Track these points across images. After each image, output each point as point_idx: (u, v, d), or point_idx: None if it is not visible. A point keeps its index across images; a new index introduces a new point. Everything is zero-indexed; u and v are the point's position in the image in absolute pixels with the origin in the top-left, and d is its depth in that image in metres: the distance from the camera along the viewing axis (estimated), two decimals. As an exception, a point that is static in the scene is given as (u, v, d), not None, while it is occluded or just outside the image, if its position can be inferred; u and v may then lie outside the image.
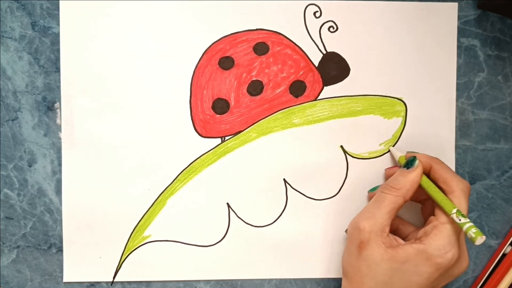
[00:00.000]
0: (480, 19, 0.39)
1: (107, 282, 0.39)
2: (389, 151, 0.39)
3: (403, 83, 0.39)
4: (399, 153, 0.38)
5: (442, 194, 0.34)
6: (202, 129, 0.38)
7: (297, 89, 0.39)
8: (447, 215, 0.33)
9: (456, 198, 0.33)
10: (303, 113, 0.39)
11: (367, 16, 0.39)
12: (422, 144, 0.39)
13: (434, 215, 0.34)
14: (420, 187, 0.35)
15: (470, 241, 0.32)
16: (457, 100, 0.39)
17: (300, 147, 0.39)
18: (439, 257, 0.32)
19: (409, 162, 0.35)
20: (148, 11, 0.38)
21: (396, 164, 0.39)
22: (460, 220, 0.32)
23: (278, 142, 0.39)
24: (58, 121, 0.38)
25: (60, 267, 0.38)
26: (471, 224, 0.31)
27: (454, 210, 0.32)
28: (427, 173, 0.36)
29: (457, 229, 0.33)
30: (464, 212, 0.33)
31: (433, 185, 0.34)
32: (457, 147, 0.40)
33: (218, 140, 0.39)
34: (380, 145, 0.39)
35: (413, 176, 0.34)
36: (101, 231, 0.38)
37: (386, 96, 0.39)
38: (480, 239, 0.30)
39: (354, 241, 0.34)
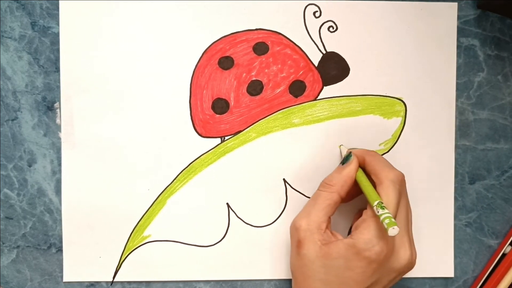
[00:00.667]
0: (480, 19, 0.39)
1: (107, 282, 0.39)
2: (350, 153, 0.37)
3: (403, 83, 0.39)
4: (345, 150, 0.38)
5: (371, 187, 0.33)
6: (202, 129, 0.38)
7: (297, 89, 0.39)
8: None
9: (384, 189, 0.33)
10: (302, 113, 0.39)
11: (367, 16, 0.39)
12: (422, 144, 0.39)
13: None
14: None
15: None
16: (457, 100, 0.39)
17: (300, 147, 0.39)
18: (367, 250, 0.32)
19: (345, 158, 0.36)
20: (148, 11, 0.38)
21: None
22: (378, 212, 0.31)
23: (278, 142, 0.39)
24: (58, 121, 0.38)
25: (60, 267, 0.38)
26: (387, 215, 0.30)
27: (376, 202, 0.32)
28: (363, 167, 0.36)
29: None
30: (392, 202, 0.32)
31: (365, 179, 0.34)
32: (457, 147, 0.40)
33: (218, 140, 0.39)
34: (379, 145, 0.39)
35: (347, 171, 0.35)
36: (101, 231, 0.38)
37: (385, 96, 0.39)
38: (391, 230, 0.30)
39: (293, 241, 0.35)
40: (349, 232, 0.39)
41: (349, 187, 0.35)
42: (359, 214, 0.37)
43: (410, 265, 0.34)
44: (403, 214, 0.34)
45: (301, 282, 0.34)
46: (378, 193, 0.33)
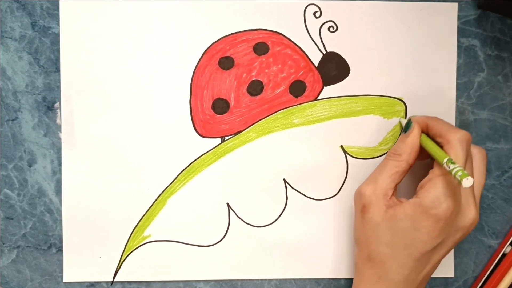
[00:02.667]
0: (480, 19, 0.39)
1: (107, 282, 0.39)
2: (399, 123, 0.38)
3: (403, 83, 0.39)
4: (405, 120, 0.38)
5: (437, 147, 0.33)
6: (202, 129, 0.38)
7: (297, 89, 0.39)
8: (441, 166, 0.32)
9: (452, 148, 0.33)
10: (303, 113, 0.39)
11: (367, 16, 0.39)
12: (422, 144, 0.39)
13: None
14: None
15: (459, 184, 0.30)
16: (457, 100, 0.39)
17: (300, 147, 0.39)
18: (434, 208, 0.32)
19: (406, 126, 0.36)
20: (148, 11, 0.38)
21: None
22: (449, 167, 0.31)
23: (278, 142, 0.39)
24: (58, 121, 0.38)
25: (60, 267, 0.38)
26: (459, 168, 0.30)
27: (446, 159, 0.31)
28: (426, 132, 0.35)
29: (454, 180, 0.32)
30: (461, 160, 0.32)
31: (429, 141, 0.34)
32: (457, 147, 0.40)
33: (218, 140, 0.39)
34: (380, 145, 0.39)
35: (411, 139, 0.35)
36: (101, 231, 0.38)
37: (386, 96, 0.39)
38: (465, 181, 0.29)
39: (358, 207, 0.35)
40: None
41: (417, 153, 0.35)
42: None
43: (475, 224, 0.33)
44: (470, 173, 0.34)
45: (365, 247, 0.34)
46: (446, 152, 0.33)
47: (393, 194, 0.34)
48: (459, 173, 0.30)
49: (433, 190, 0.32)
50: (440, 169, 0.33)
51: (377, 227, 0.33)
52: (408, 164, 0.34)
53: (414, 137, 0.35)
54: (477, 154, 0.35)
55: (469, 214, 0.33)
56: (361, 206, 0.34)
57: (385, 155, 0.39)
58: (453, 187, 0.32)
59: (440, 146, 0.34)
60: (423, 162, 0.36)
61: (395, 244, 0.33)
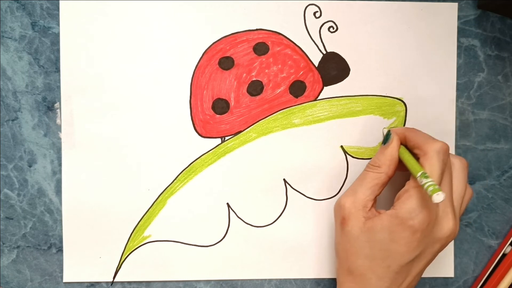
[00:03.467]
0: (480, 19, 0.39)
1: (107, 282, 0.39)
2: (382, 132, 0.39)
3: (403, 83, 0.39)
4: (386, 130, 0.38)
5: (413, 159, 0.33)
6: (202, 129, 0.38)
7: (297, 89, 0.39)
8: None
9: (428, 159, 0.33)
10: (303, 113, 0.39)
11: (367, 16, 0.39)
12: (422, 144, 0.39)
13: None
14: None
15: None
16: (457, 100, 0.39)
17: (300, 147, 0.39)
18: (410, 219, 0.32)
19: (385, 138, 0.36)
20: (148, 11, 0.38)
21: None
22: (422, 181, 0.31)
23: (278, 142, 0.39)
24: (58, 121, 0.38)
25: (60, 267, 0.38)
26: (431, 183, 0.30)
27: (419, 173, 0.31)
28: (405, 144, 0.35)
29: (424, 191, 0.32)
30: (436, 171, 0.32)
31: (407, 153, 0.34)
32: (457, 147, 0.40)
33: (218, 140, 0.39)
34: (380, 145, 0.39)
35: (389, 150, 0.35)
36: (101, 231, 0.38)
37: (386, 96, 0.39)
38: (436, 196, 0.29)
39: (337, 219, 0.35)
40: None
41: (396, 165, 0.35)
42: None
43: (453, 235, 0.33)
44: (447, 183, 0.33)
45: (345, 259, 0.34)
46: (421, 165, 0.33)
47: (372, 206, 0.34)
48: (430, 188, 0.30)
49: (409, 201, 0.32)
50: (416, 181, 0.32)
51: (356, 240, 0.33)
52: (388, 176, 0.34)
53: (393, 149, 0.35)
54: (457, 164, 0.35)
55: (447, 225, 0.33)
56: (340, 218, 0.34)
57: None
58: (429, 198, 0.32)
59: (417, 157, 0.34)
60: (403, 173, 0.36)
61: (374, 257, 0.33)
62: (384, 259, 0.32)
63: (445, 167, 0.33)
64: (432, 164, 0.32)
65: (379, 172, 0.34)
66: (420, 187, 0.32)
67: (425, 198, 0.32)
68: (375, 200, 0.34)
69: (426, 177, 0.31)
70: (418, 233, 0.32)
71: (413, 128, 0.36)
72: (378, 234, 0.32)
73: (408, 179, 0.34)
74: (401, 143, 0.35)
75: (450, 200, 0.33)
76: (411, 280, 0.34)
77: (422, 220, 0.32)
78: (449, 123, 0.39)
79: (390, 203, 0.38)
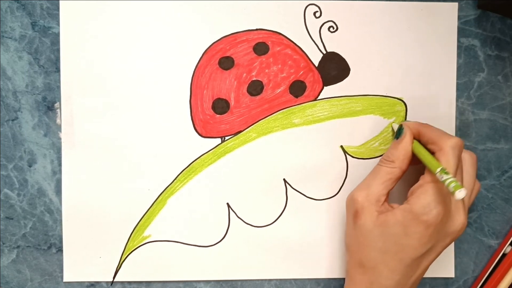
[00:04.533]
0: (480, 19, 0.39)
1: (107, 282, 0.39)
2: (391, 128, 0.39)
3: (403, 83, 0.39)
4: (397, 126, 0.38)
5: (429, 155, 0.33)
6: (202, 129, 0.38)
7: (297, 89, 0.39)
8: (432, 173, 0.32)
9: (444, 155, 0.33)
10: (303, 113, 0.39)
11: (367, 16, 0.39)
12: (422, 143, 0.39)
13: None
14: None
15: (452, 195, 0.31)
16: (457, 100, 0.39)
17: (300, 147, 0.39)
18: (425, 214, 0.32)
19: (398, 132, 0.36)
20: (148, 11, 0.38)
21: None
22: (442, 178, 0.31)
23: (278, 142, 0.39)
24: (58, 121, 0.38)
25: (60, 267, 0.38)
26: (452, 179, 0.30)
27: (438, 169, 0.31)
28: (418, 139, 0.36)
29: (445, 188, 0.32)
30: (452, 167, 0.32)
31: (421, 148, 0.34)
32: (457, 147, 0.40)
33: (218, 140, 0.39)
34: (380, 145, 0.39)
35: (403, 145, 0.35)
36: (101, 231, 0.38)
37: (386, 96, 0.39)
38: (458, 193, 0.29)
39: (350, 212, 0.35)
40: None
41: (409, 159, 0.35)
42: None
43: (463, 229, 0.34)
44: (460, 179, 0.34)
45: (357, 253, 0.34)
46: (437, 160, 0.33)
47: (385, 200, 0.34)
48: (452, 184, 0.30)
49: (423, 196, 0.32)
50: (430, 176, 0.33)
51: (369, 233, 0.33)
52: (402, 171, 0.35)
53: (406, 144, 0.35)
54: (468, 158, 0.35)
55: (458, 219, 0.33)
56: (353, 212, 0.34)
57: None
58: (443, 193, 0.32)
59: (432, 152, 0.34)
60: (415, 167, 0.36)
61: (387, 250, 0.33)
62: (396, 253, 0.33)
63: (459, 163, 0.33)
64: (448, 160, 0.32)
65: (393, 167, 0.34)
66: (434, 182, 0.32)
67: (439, 193, 0.32)
68: (387, 194, 0.35)
69: (446, 173, 0.31)
70: (431, 227, 0.32)
71: (426, 124, 0.36)
72: (391, 228, 0.33)
73: (420, 174, 0.34)
74: (414, 138, 0.35)
75: None
76: (420, 273, 0.34)
77: (436, 215, 0.32)
78: (449, 123, 0.39)
79: (401, 197, 0.38)
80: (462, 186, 0.30)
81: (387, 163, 0.35)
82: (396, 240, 0.33)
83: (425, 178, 0.33)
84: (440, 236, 0.33)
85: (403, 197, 0.34)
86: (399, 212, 0.33)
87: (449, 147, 0.33)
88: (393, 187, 0.35)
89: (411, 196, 0.33)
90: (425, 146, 0.35)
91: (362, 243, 0.34)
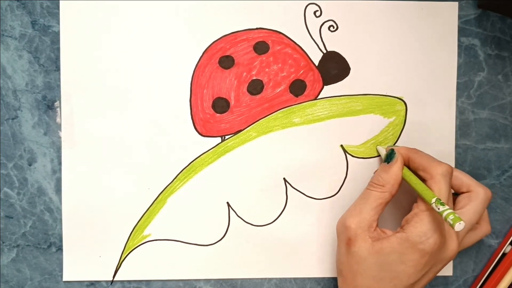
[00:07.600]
0: (480, 19, 0.39)
1: (107, 281, 0.39)
2: (377, 150, 0.39)
3: (403, 82, 0.39)
4: (384, 150, 0.38)
5: (421, 184, 0.33)
6: (202, 128, 0.38)
7: (297, 88, 0.39)
8: (427, 203, 0.33)
9: (435, 183, 0.33)
10: (303, 112, 0.39)
11: (367, 16, 0.39)
12: (422, 143, 0.39)
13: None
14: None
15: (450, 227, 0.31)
16: (457, 100, 0.39)
17: (300, 146, 0.39)
18: (421, 243, 0.32)
19: (389, 156, 0.36)
20: (148, 10, 0.38)
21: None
22: (439, 209, 0.31)
23: (278, 141, 0.39)
24: (58, 120, 0.38)
25: (60, 266, 0.38)
26: (449, 211, 0.31)
27: (434, 200, 0.32)
28: (407, 165, 0.36)
29: (440, 217, 0.33)
30: (445, 195, 0.33)
31: (413, 176, 0.34)
32: (457, 146, 0.40)
33: (218, 139, 0.39)
34: (380, 144, 0.39)
35: (394, 170, 0.35)
36: (101, 230, 0.38)
37: (386, 96, 0.39)
38: (458, 225, 0.30)
39: (343, 239, 0.35)
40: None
41: (399, 185, 0.35)
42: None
43: (454, 256, 0.34)
44: (451, 206, 0.34)
45: (350, 280, 0.34)
46: (429, 188, 0.33)
47: (377, 225, 0.34)
48: (451, 217, 0.30)
49: (419, 225, 0.32)
50: (425, 204, 0.33)
51: (363, 261, 0.33)
52: (391, 195, 0.35)
53: (398, 169, 0.35)
54: (481, 194, 0.35)
55: (451, 246, 0.34)
56: (346, 239, 0.34)
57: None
58: (438, 221, 0.33)
59: (423, 180, 0.34)
60: (401, 191, 0.37)
61: (381, 277, 0.33)
62: (391, 279, 0.33)
63: (450, 189, 0.34)
64: (440, 189, 0.33)
65: (383, 191, 0.34)
66: (429, 211, 0.33)
67: (435, 221, 0.32)
68: (378, 219, 0.35)
69: (442, 204, 0.31)
70: (427, 255, 0.32)
71: (415, 149, 0.36)
72: (387, 256, 0.33)
73: (408, 197, 0.34)
74: (404, 164, 0.36)
75: None
76: None
77: (433, 244, 0.32)
78: (449, 123, 0.39)
79: (389, 219, 0.39)
80: (460, 218, 0.30)
81: (377, 187, 0.35)
82: (391, 268, 0.33)
83: (419, 207, 0.33)
84: (435, 262, 0.33)
85: (390, 220, 0.34)
86: (396, 240, 0.33)
87: (440, 175, 0.33)
88: (383, 211, 0.35)
89: (407, 225, 0.33)
90: (415, 172, 0.35)
91: (356, 271, 0.34)
